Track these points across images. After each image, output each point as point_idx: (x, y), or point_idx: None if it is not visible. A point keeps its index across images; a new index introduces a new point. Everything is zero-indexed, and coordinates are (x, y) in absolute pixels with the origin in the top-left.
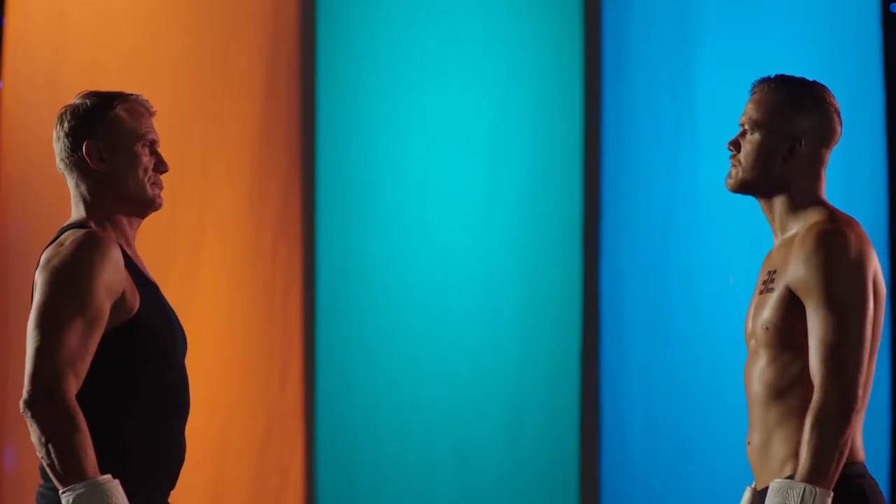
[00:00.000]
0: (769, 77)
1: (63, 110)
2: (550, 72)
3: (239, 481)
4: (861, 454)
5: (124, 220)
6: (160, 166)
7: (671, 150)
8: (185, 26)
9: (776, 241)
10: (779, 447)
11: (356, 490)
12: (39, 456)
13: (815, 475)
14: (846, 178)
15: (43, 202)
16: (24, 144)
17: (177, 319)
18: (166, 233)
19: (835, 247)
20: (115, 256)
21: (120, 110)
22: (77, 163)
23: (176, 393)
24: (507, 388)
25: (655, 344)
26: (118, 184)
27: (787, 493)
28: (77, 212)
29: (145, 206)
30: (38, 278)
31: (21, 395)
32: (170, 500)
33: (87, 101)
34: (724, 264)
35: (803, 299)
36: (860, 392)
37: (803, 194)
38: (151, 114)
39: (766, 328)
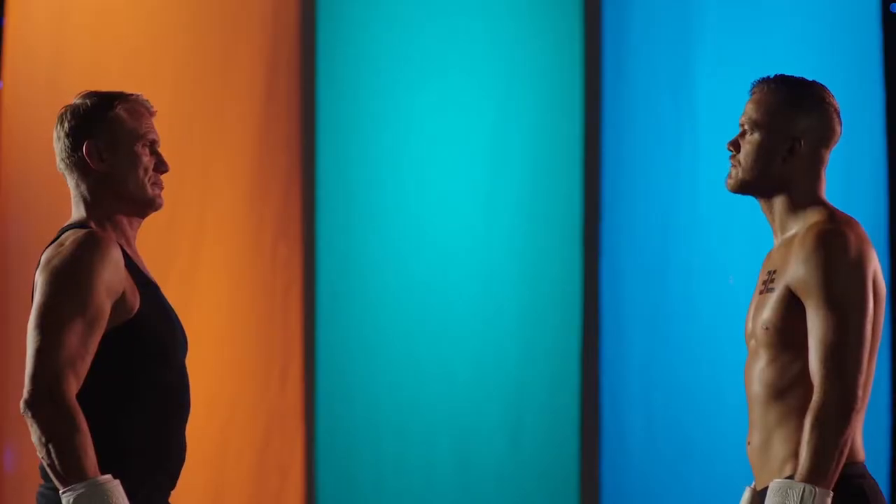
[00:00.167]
0: (769, 77)
1: (63, 110)
2: (550, 72)
3: (239, 481)
4: (861, 454)
5: (124, 220)
6: (160, 166)
7: (671, 150)
8: (185, 26)
9: (776, 241)
10: (779, 447)
11: (356, 490)
12: (40, 456)
13: (815, 475)
14: (846, 178)
15: (43, 202)
16: (24, 144)
17: (177, 319)
18: (166, 233)
19: (835, 247)
20: (116, 256)
21: (120, 110)
22: (77, 163)
23: (176, 393)
24: (507, 388)
25: (655, 344)
26: (118, 184)
27: (787, 492)
28: (77, 212)
29: (145, 206)
30: (39, 278)
31: (21, 395)
32: (170, 500)
33: (88, 101)
34: (724, 264)
35: (803, 299)
36: (860, 392)
37: (803, 194)
38: (152, 114)
39: (766, 328)
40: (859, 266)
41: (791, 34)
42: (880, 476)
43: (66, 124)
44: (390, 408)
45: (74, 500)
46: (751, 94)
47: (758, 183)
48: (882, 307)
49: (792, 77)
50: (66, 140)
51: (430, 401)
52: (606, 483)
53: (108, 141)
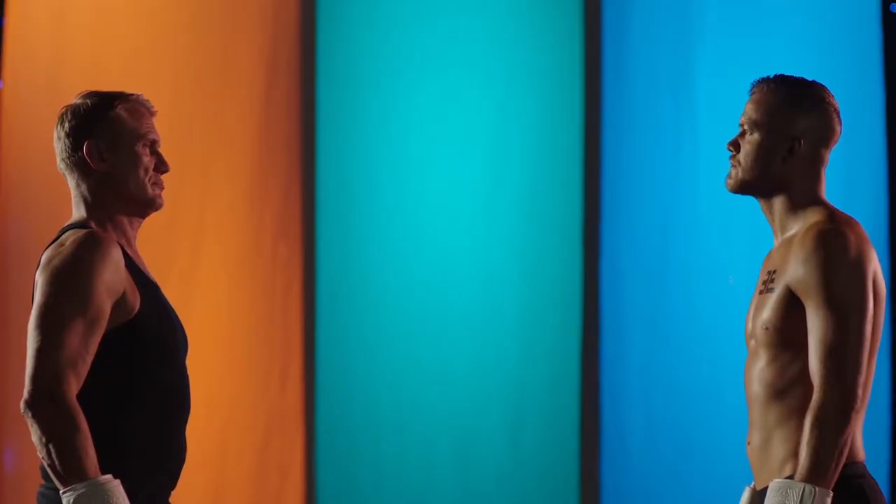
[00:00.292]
0: (768, 77)
1: (64, 110)
2: (550, 72)
3: (239, 481)
4: (861, 454)
5: (125, 220)
6: (161, 166)
7: (671, 150)
8: (185, 26)
9: (776, 241)
10: (778, 447)
11: (356, 490)
12: (40, 456)
13: (815, 475)
14: (846, 178)
15: (43, 202)
16: (24, 144)
17: (178, 319)
18: (166, 233)
19: (834, 247)
20: (116, 256)
21: (121, 110)
22: (78, 163)
23: (177, 393)
24: (507, 388)
25: (655, 344)
26: (119, 184)
27: (787, 492)
28: (78, 212)
29: (146, 206)
30: (39, 278)
31: (22, 396)
32: (170, 500)
33: (88, 100)
34: (724, 264)
35: (803, 299)
36: (860, 392)
37: (803, 194)
38: (152, 114)
39: (766, 328)
40: (859, 266)
41: (791, 34)
42: (880, 476)
43: (66, 124)
44: (390, 408)
45: (75, 500)
46: (750, 94)
47: (758, 183)
48: (882, 307)
49: (792, 77)
50: (66, 140)
51: (430, 401)
52: (606, 483)
53: (109, 141)
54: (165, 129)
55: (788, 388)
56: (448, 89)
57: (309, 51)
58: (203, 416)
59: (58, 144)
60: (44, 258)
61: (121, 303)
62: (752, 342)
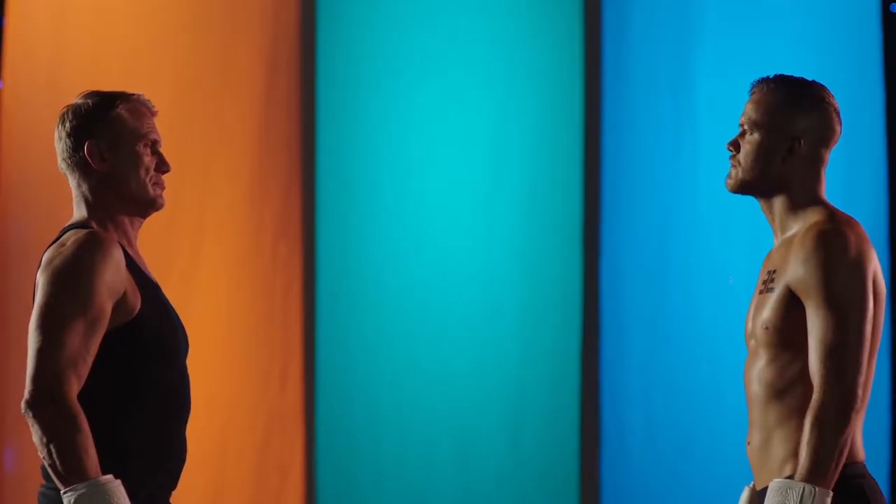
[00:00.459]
0: (768, 77)
1: (65, 110)
2: (550, 72)
3: (239, 481)
4: (861, 454)
5: (126, 220)
6: (162, 166)
7: (671, 150)
8: (185, 26)
9: (776, 241)
10: (778, 447)
11: (356, 490)
12: (41, 456)
13: (815, 475)
14: (846, 178)
15: (43, 202)
16: (24, 144)
17: (178, 320)
18: (166, 233)
19: (834, 247)
20: (117, 257)
21: (122, 110)
22: (79, 163)
23: (177, 393)
24: (507, 388)
25: (655, 344)
26: (120, 184)
27: (787, 492)
28: (79, 212)
29: (147, 206)
30: (40, 278)
31: (22, 396)
32: (170, 500)
33: (89, 100)
34: (724, 264)
35: (803, 299)
36: (860, 392)
37: (803, 194)
38: (153, 114)
39: (766, 328)
40: (859, 266)
41: (791, 34)
42: (880, 476)
43: (67, 124)
44: (390, 408)
45: (76, 500)
46: (750, 94)
47: (758, 183)
48: (882, 307)
49: (791, 77)
50: (67, 140)
51: (430, 401)
52: (606, 483)
53: (110, 141)
54: (165, 129)
55: (788, 388)
56: (448, 89)
57: (309, 51)
58: (203, 416)
59: (59, 144)
60: (45, 258)
61: (122, 303)
62: (752, 342)
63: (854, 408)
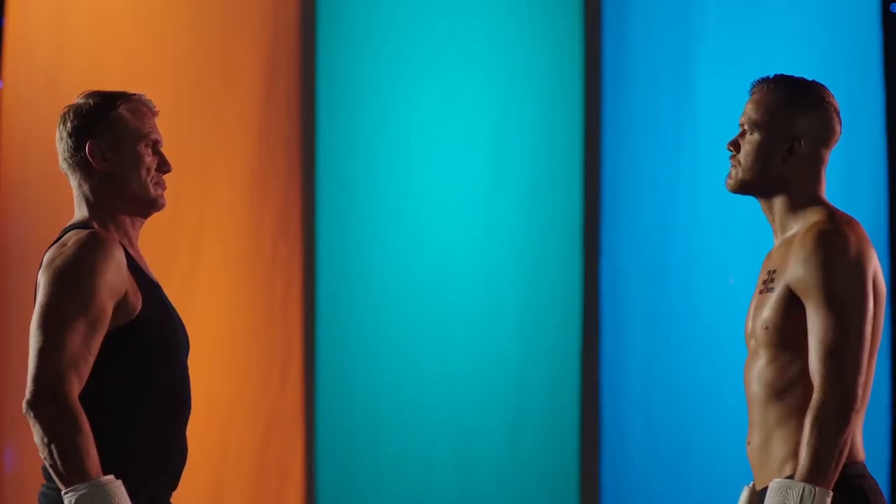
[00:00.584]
0: (768, 77)
1: (66, 110)
2: (550, 72)
3: (239, 481)
4: (861, 454)
5: (127, 220)
6: (163, 166)
7: (671, 150)
8: (185, 26)
9: (776, 241)
10: (778, 447)
11: (356, 490)
12: (42, 456)
13: (815, 475)
14: (846, 178)
15: (43, 202)
16: (24, 144)
17: (179, 320)
18: (166, 233)
19: (834, 246)
20: (118, 257)
21: (123, 110)
22: (80, 162)
23: (178, 393)
24: (507, 388)
25: (655, 344)
26: (121, 184)
27: (787, 492)
28: (80, 212)
29: (148, 206)
30: (41, 279)
31: (22, 396)
32: (171, 500)
33: (91, 100)
34: (724, 264)
35: (803, 299)
36: (860, 392)
37: (803, 194)
38: (154, 114)
39: (766, 328)
40: (859, 266)
41: (791, 34)
42: (880, 476)
43: (68, 124)
44: (390, 408)
45: (77, 500)
46: (750, 94)
47: (758, 183)
48: (882, 307)
49: (791, 77)
50: (68, 140)
51: (430, 401)
52: (606, 483)
53: (111, 141)
54: (165, 128)
55: (788, 388)
56: (448, 89)
57: (309, 51)
58: (203, 416)
59: (60, 144)
60: (46, 258)
61: (123, 303)
62: (752, 342)
63: (854, 408)
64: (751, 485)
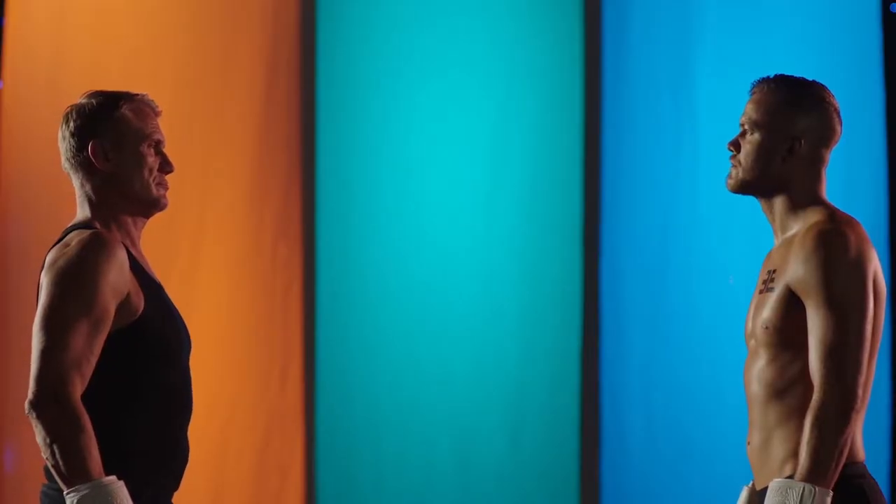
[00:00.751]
0: (768, 77)
1: (69, 110)
2: (550, 72)
3: (239, 481)
4: (861, 454)
5: (129, 221)
6: (165, 166)
7: (671, 150)
8: (185, 26)
9: (776, 241)
10: (778, 447)
11: (356, 490)
12: (44, 456)
13: (815, 475)
14: (846, 178)
15: (43, 202)
16: (24, 144)
17: (181, 320)
18: (166, 233)
19: (835, 246)
20: (121, 257)
21: (125, 110)
22: (82, 162)
23: (180, 394)
24: (507, 388)
25: (655, 344)
26: (123, 184)
27: (787, 492)
28: (82, 212)
29: (150, 206)
30: (44, 279)
31: (23, 396)
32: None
33: (93, 100)
34: (724, 264)
35: (803, 299)
36: (860, 392)
37: (803, 194)
38: (157, 114)
39: (766, 328)
40: (859, 266)
41: (791, 34)
42: (880, 476)
43: (71, 124)
44: (390, 408)
45: (78, 500)
46: (751, 94)
47: (758, 183)
48: (882, 307)
49: (792, 77)
50: (71, 140)
51: (430, 401)
52: (606, 483)
53: (114, 141)
54: (165, 128)
55: (788, 388)
56: (448, 89)
57: (309, 51)
58: (203, 416)
59: (62, 144)
60: (48, 259)
61: (125, 304)
62: (752, 342)
63: (854, 408)
64: (750, 485)
